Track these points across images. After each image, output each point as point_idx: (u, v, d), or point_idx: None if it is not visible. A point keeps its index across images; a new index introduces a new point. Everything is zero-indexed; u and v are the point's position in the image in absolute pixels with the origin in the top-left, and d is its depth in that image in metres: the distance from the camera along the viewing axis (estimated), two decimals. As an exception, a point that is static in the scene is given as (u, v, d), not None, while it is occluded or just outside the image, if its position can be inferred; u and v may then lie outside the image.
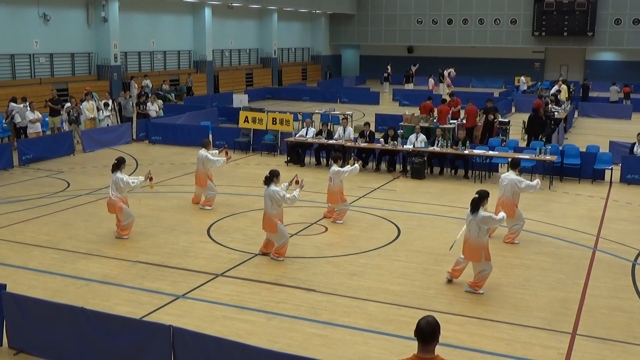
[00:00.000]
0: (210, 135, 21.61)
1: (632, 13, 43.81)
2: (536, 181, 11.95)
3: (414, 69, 44.70)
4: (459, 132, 18.63)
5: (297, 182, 11.42)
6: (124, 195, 11.96)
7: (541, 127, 21.50)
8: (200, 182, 14.07)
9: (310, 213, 13.56)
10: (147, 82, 31.46)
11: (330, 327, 8.48)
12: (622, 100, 33.82)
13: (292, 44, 49.75)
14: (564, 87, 31.79)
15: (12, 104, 20.79)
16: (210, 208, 13.98)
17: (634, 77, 43.57)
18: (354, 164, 13.55)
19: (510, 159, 12.73)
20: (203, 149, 14.12)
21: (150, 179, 12.28)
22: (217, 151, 14.62)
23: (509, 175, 11.96)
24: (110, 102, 23.35)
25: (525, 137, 23.15)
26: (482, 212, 9.59)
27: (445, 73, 42.05)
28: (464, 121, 21.49)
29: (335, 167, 13.11)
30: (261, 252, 11.18)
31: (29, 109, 20.25)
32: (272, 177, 10.83)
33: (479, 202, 9.63)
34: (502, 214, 10.17)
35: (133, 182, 11.95)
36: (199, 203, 14.16)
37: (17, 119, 20.24)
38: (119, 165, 12.13)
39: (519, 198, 12.01)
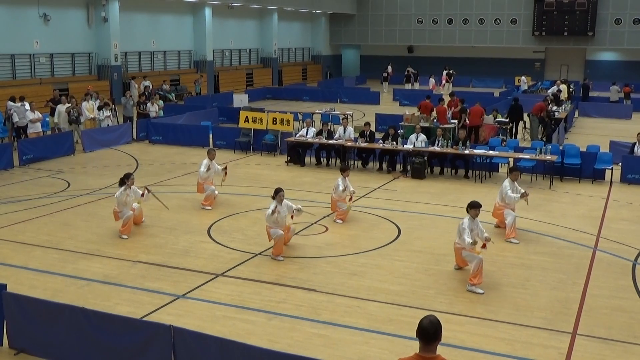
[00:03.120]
0: (211, 135, 21.65)
1: (633, 13, 43.83)
2: (515, 195, 12.26)
3: (410, 69, 44.72)
4: (459, 132, 18.62)
5: (291, 217, 11.46)
6: (121, 208, 12.19)
7: (519, 114, 23.23)
8: (200, 189, 14.29)
9: (310, 213, 13.54)
10: (147, 83, 31.43)
11: (330, 327, 8.48)
12: (622, 100, 33.82)
13: (293, 43, 49.77)
14: (564, 87, 31.80)
15: (10, 103, 20.80)
16: (210, 208, 13.99)
17: (634, 77, 43.59)
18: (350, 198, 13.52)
19: (510, 163, 13.24)
20: (207, 158, 14.26)
21: (142, 195, 12.56)
22: (219, 167, 14.54)
23: (504, 182, 12.58)
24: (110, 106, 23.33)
25: (527, 136, 23.30)
26: (464, 219, 10.20)
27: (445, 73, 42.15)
28: (467, 120, 21.52)
29: (340, 180, 13.19)
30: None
31: (28, 108, 20.23)
32: (275, 194, 11.13)
33: (467, 209, 10.28)
34: (468, 240, 9.90)
35: (115, 196, 12.28)
36: (209, 203, 14.17)
37: (15, 118, 20.25)
38: (122, 181, 12.37)
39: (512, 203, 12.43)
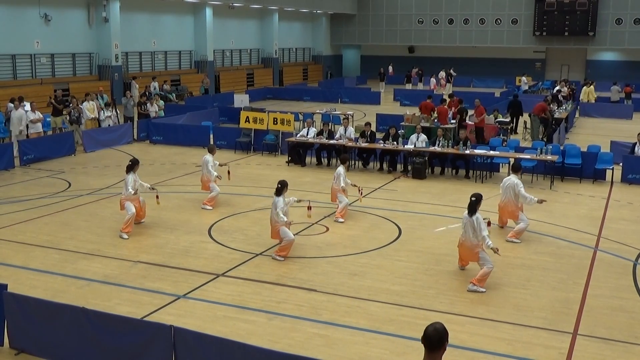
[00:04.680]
0: (211, 135, 21.66)
1: (633, 13, 43.82)
2: (534, 198, 12.02)
3: (414, 71, 44.74)
4: (460, 132, 18.62)
5: (309, 208, 12.02)
6: (131, 195, 12.21)
7: (519, 109, 24.50)
8: (205, 187, 14.30)
9: (311, 213, 13.54)
10: (155, 84, 31.08)
11: (331, 327, 8.48)
12: (623, 100, 33.81)
13: (293, 44, 49.78)
14: (588, 88, 32.04)
15: (10, 105, 20.80)
16: (210, 208, 13.98)
17: (635, 77, 43.57)
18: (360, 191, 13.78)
19: (511, 163, 13.09)
20: (208, 153, 14.29)
21: (157, 196, 12.82)
22: (218, 164, 14.65)
23: (510, 179, 12.22)
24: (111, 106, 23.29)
25: (527, 136, 23.30)
26: (479, 215, 9.89)
27: (442, 74, 42.24)
28: (468, 121, 21.58)
29: (341, 169, 13.29)
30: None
31: (28, 109, 20.22)
32: (282, 188, 11.04)
33: (476, 204, 9.95)
34: (489, 242, 9.81)
35: (127, 190, 12.22)
36: (212, 203, 14.25)
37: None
38: (132, 166, 12.45)
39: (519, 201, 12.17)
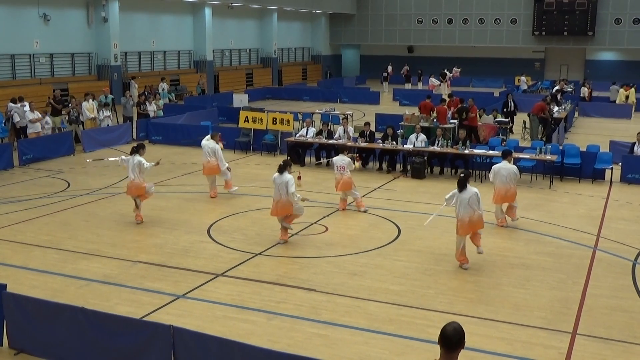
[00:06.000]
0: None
1: (632, 12, 43.84)
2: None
3: (404, 68, 44.76)
4: (459, 132, 18.62)
5: (299, 178, 12.66)
6: (146, 171, 12.62)
7: (513, 109, 25.04)
8: (214, 170, 14.64)
9: (310, 213, 13.54)
10: (164, 84, 30.62)
11: (330, 327, 8.48)
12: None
13: (292, 43, 49.77)
14: (631, 90, 32.09)
15: (11, 104, 20.81)
16: (237, 188, 14.75)
17: (634, 77, 43.54)
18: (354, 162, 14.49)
19: (502, 151, 13.57)
20: (212, 140, 14.70)
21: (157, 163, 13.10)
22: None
23: (506, 165, 12.62)
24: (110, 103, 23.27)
25: (527, 136, 23.31)
26: (474, 188, 10.50)
27: (449, 74, 42.21)
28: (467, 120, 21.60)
29: (345, 157, 13.67)
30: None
31: (27, 109, 20.22)
32: (285, 166, 11.48)
33: (466, 180, 10.47)
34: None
35: (145, 166, 12.56)
36: (216, 196, 14.76)
37: (16, 119, 20.26)
38: (138, 149, 12.66)
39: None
